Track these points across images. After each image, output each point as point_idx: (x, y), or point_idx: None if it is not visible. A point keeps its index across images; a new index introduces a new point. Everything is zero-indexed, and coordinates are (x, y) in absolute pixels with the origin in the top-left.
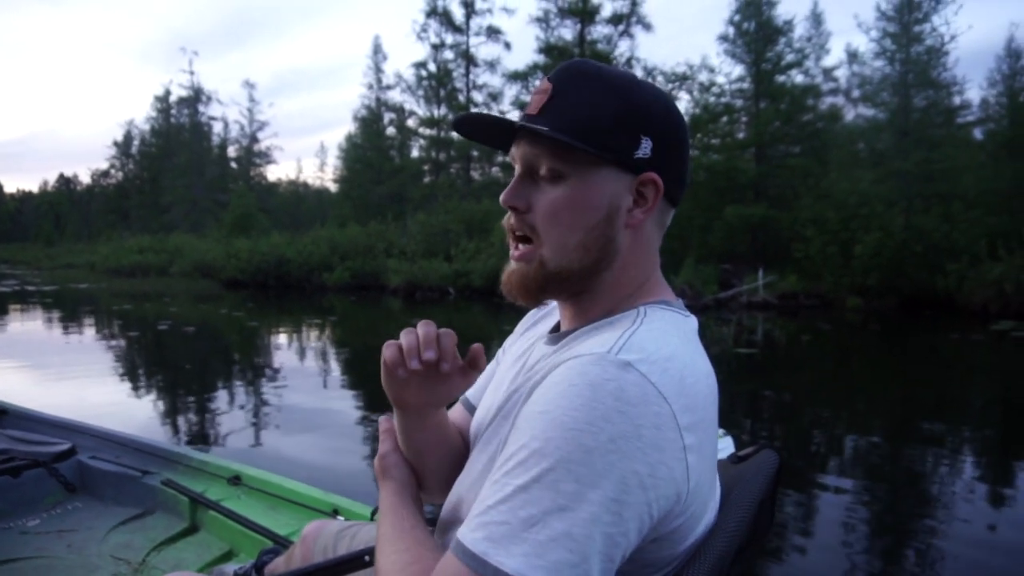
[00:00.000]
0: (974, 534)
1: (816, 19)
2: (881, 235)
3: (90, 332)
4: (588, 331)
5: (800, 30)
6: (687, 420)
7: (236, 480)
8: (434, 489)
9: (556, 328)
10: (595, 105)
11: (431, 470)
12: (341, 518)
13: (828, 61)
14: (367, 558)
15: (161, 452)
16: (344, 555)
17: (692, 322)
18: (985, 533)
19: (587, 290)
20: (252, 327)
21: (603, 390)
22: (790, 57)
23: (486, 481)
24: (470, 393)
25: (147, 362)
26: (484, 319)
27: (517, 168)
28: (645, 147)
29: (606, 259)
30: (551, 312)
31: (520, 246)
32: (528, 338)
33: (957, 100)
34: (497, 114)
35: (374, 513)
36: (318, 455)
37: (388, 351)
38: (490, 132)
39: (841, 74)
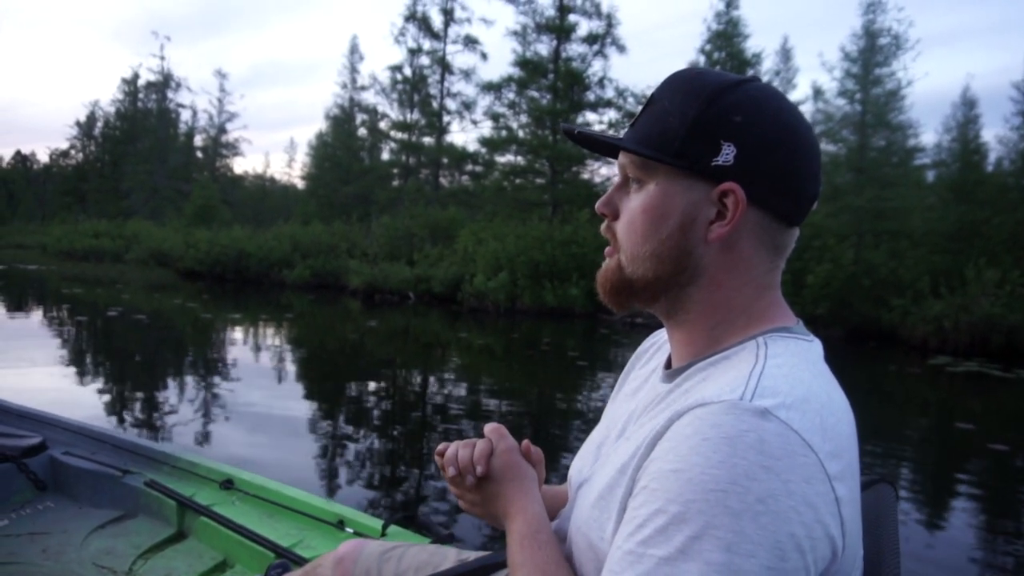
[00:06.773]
0: (908, 561)
1: (785, 54)
2: (831, 267)
3: (36, 315)
4: (703, 367)
5: (769, 63)
6: (835, 468)
7: (228, 484)
8: None
9: (668, 363)
10: (674, 111)
11: None
12: (350, 530)
13: (794, 96)
14: None
15: (144, 451)
16: None
17: (816, 347)
18: (920, 555)
19: (678, 308)
20: (206, 319)
21: (742, 443)
22: None
23: (612, 549)
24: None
25: (94, 349)
26: (441, 325)
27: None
28: (727, 153)
29: (686, 273)
30: (664, 344)
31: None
32: (642, 375)
33: (912, 142)
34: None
35: (385, 527)
36: (276, 453)
37: (448, 471)
38: (599, 143)
39: (806, 109)
